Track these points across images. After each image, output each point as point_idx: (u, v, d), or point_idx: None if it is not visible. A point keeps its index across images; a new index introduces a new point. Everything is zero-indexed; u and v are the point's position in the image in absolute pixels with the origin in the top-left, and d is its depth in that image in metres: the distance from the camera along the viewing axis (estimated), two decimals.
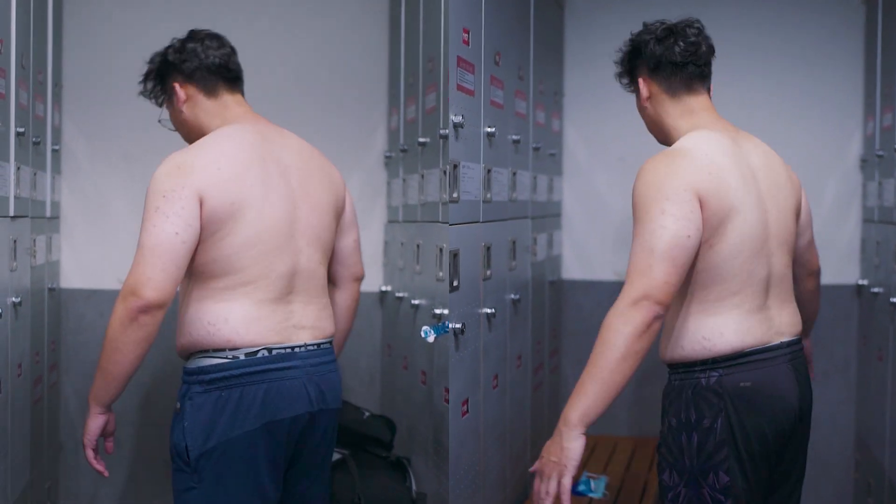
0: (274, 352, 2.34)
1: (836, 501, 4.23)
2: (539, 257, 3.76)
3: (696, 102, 2.48)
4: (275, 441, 2.33)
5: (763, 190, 2.41)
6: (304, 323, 2.41)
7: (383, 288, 4.04)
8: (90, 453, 2.47)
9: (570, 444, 2.24)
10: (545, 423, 4.00)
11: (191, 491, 2.31)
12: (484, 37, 2.94)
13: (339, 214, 2.54)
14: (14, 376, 3.00)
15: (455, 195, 2.74)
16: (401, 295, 3.68)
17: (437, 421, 3.16)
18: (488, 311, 2.99)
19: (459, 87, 2.77)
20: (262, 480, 2.32)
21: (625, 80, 2.59)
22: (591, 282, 4.33)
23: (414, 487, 3.45)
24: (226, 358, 2.31)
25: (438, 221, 3.15)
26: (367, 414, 3.66)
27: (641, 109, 2.57)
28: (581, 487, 3.70)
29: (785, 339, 2.40)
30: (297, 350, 2.37)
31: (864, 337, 4.02)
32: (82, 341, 3.87)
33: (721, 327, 2.30)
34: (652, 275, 2.17)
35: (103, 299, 3.80)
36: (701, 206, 2.24)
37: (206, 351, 2.33)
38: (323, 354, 2.45)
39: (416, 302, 3.40)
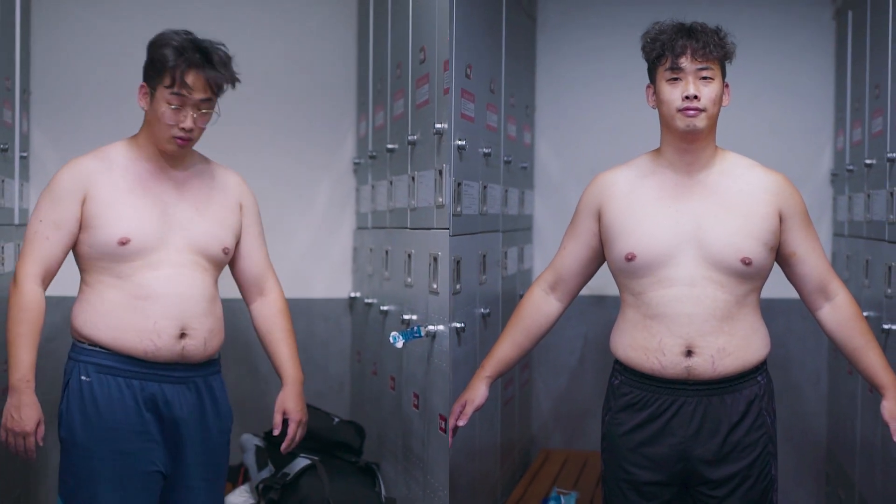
0: None
1: None
2: (510, 271, 3.75)
3: None
4: None
5: None
6: None
7: (352, 294, 4.02)
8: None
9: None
10: (516, 438, 3.98)
11: None
12: (454, 49, 2.92)
13: None
14: None
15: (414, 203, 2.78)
16: (370, 301, 3.67)
17: (406, 426, 3.14)
18: (457, 325, 2.96)
19: (421, 105, 2.75)
20: None
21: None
22: None
23: (383, 492, 3.45)
24: None
25: (407, 227, 3.13)
26: (336, 420, 3.66)
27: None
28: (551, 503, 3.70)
29: None
30: None
31: (834, 350, 4.02)
32: (51, 349, 3.79)
33: None
34: None
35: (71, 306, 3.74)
36: None
37: None
38: None
39: (386, 308, 3.38)
